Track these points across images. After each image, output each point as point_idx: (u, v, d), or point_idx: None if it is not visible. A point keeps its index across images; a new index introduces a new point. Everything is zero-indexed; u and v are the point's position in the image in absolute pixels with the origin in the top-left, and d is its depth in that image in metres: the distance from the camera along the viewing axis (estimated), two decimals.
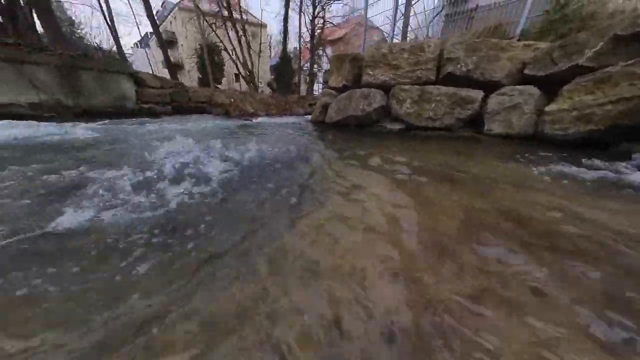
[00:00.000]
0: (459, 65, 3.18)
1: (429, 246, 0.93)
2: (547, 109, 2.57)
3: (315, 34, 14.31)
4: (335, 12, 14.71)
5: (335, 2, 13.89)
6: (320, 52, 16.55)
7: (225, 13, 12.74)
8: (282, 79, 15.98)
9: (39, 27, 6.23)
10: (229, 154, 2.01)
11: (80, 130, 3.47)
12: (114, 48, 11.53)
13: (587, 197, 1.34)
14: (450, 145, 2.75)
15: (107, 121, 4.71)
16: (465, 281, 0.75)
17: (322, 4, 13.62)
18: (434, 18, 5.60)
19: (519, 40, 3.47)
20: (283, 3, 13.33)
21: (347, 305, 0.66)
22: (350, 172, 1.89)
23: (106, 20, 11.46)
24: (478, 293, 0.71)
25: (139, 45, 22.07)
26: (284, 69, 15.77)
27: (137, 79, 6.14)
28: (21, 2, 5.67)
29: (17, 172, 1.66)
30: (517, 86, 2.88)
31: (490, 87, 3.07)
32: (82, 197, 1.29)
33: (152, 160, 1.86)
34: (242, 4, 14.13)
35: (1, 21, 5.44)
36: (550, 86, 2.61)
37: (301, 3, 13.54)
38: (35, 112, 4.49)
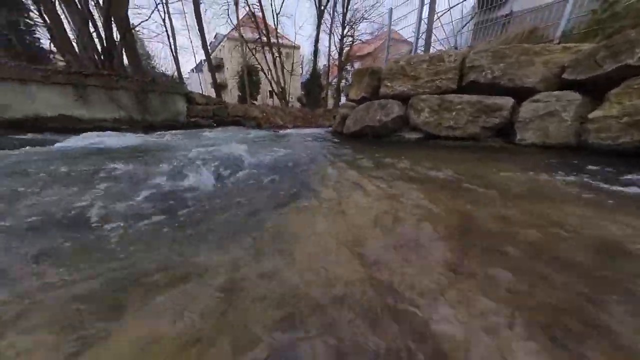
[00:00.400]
0: (483, 73, 3.05)
1: (385, 233, 0.99)
2: (590, 116, 2.27)
3: (344, 51, 15.02)
4: (364, 29, 15.22)
5: (364, 20, 14.48)
6: (349, 67, 17.20)
7: (265, 39, 14.46)
8: (311, 94, 17.00)
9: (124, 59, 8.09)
10: (251, 156, 2.34)
11: (152, 139, 4.33)
12: (175, 74, 14.00)
13: (610, 213, 1.17)
14: (471, 155, 2.60)
15: (166, 132, 5.74)
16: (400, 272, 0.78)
17: (351, 24, 14.36)
18: (462, 28, 5.46)
19: (559, 43, 3.17)
20: (315, 26, 14.56)
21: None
22: (349, 173, 1.98)
23: (172, 52, 14.12)
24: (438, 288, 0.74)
25: (194, 70, 26.21)
26: (313, 85, 16.84)
27: (189, 98, 7.36)
28: (116, 43, 7.51)
29: (142, 162, 2.18)
30: (554, 92, 2.61)
31: (521, 93, 2.84)
32: (184, 173, 1.83)
33: (204, 156, 2.33)
34: (279, 29, 15.90)
35: (102, 58, 7.27)
36: (594, 91, 2.31)
37: (331, 25, 14.54)
38: (115, 125, 5.75)
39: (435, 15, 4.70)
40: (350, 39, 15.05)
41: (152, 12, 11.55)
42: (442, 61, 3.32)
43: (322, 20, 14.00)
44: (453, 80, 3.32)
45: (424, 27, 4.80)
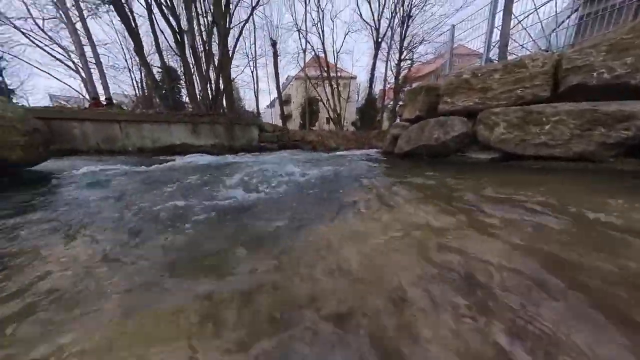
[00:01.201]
0: (594, 74, 2.30)
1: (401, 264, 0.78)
2: None
3: (400, 75, 14.92)
4: (424, 51, 14.82)
5: (425, 42, 14.15)
6: (407, 89, 16.79)
7: (325, 74, 16.37)
8: (365, 117, 17.40)
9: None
10: (302, 172, 2.58)
11: (236, 159, 5.51)
12: (255, 110, 17.65)
13: None
14: (583, 180, 1.89)
15: (243, 154, 7.18)
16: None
17: (410, 48, 14.32)
18: (561, 24, 4.43)
19: None
20: (372, 56, 15.37)
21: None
22: (390, 194, 1.80)
23: (255, 94, 18.06)
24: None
25: (268, 106, 32.22)
26: (368, 109, 17.30)
27: (260, 127, 9.00)
28: (220, 91, 10.37)
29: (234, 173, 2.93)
30: None
31: None
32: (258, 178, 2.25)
33: (267, 170, 2.78)
34: (338, 64, 17.72)
35: (210, 103, 10.17)
36: None
37: (388, 52, 14.95)
38: (211, 149, 7.62)
39: (513, 21, 4.07)
40: (409, 62, 14.88)
41: (245, 67, 15.38)
42: (523, 67, 2.75)
43: (379, 50, 14.65)
44: (542, 87, 2.65)
45: (495, 37, 4.23)
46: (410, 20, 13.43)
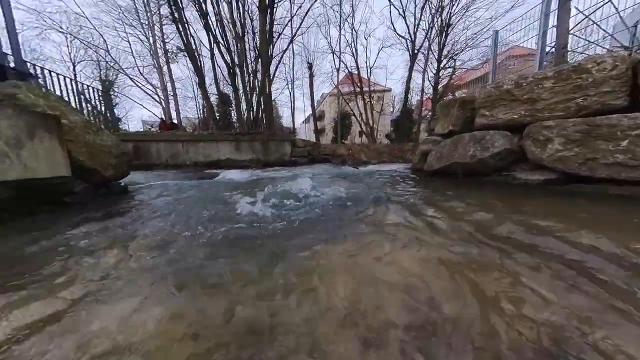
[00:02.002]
0: None
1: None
2: None
3: (439, 85, 14.02)
4: (468, 57, 13.74)
5: (469, 48, 13.09)
6: (442, 102, 15.56)
7: (358, 89, 16.67)
8: (400, 129, 16.70)
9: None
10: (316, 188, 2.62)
11: (270, 173, 6.06)
12: (291, 126, 19.04)
13: None
14: None
15: (276, 168, 7.78)
16: None
17: (450, 56, 13.45)
18: None
19: None
20: (407, 68, 14.99)
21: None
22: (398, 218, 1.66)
23: (291, 112, 19.58)
24: None
25: (303, 122, 34.29)
26: (404, 120, 16.62)
27: (293, 142, 9.61)
28: (260, 111, 11.68)
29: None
30: None
31: None
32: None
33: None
34: (372, 79, 17.85)
35: (252, 123, 11.53)
36: None
37: (426, 63, 14.35)
38: (249, 164, 8.50)
39: (572, 20, 3.47)
40: (449, 70, 13.92)
41: (284, 89, 17.00)
42: (584, 73, 2.29)
43: (415, 61, 14.20)
44: (615, 95, 2.14)
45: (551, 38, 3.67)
46: (450, 29, 12.73)
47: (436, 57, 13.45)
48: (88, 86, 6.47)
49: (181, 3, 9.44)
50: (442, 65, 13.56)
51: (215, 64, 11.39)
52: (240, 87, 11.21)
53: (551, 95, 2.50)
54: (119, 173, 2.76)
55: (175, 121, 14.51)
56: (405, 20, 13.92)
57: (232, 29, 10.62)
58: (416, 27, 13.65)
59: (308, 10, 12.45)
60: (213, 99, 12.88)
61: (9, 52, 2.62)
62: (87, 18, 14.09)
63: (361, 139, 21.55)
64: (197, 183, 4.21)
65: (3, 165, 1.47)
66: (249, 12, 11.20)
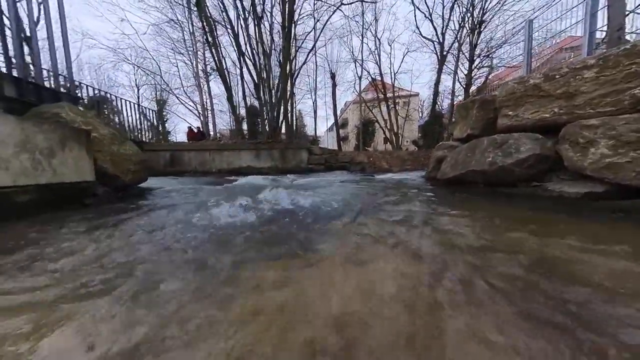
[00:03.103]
0: None
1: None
2: None
3: (472, 87, 12.77)
4: (507, 53, 12.35)
5: (507, 44, 11.72)
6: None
7: (382, 96, 16.28)
8: (428, 134, 15.63)
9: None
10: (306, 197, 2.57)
11: (290, 180, 6.28)
12: (313, 134, 19.48)
13: None
14: None
15: (291, 175, 7.99)
16: None
17: (485, 54, 12.23)
18: None
19: None
20: (436, 70, 14.09)
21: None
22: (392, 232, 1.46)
23: (314, 120, 20.13)
24: None
25: (328, 130, 34.77)
26: (433, 125, 15.54)
27: (310, 150, 9.77)
28: (279, 122, 12.31)
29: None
30: None
31: None
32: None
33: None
34: (397, 84, 17.28)
35: (272, 132, 12.22)
36: None
37: (456, 64, 13.31)
38: (268, 171, 8.91)
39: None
40: (484, 69, 12.62)
41: (307, 99, 17.56)
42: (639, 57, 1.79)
43: (444, 64, 13.29)
44: None
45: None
46: (483, 26, 11.65)
47: (467, 57, 12.38)
48: (147, 108, 8.47)
49: (215, 30, 10.80)
50: (474, 66, 12.39)
51: (244, 80, 12.56)
52: (263, 99, 12.06)
53: (594, 87, 2.02)
54: (137, 178, 3.15)
55: (209, 131, 16.23)
56: (432, 22, 13.29)
57: (256, 47, 11.64)
58: (445, 27, 12.87)
59: (325, 23, 12.96)
60: (243, 112, 14.13)
61: (63, 80, 3.32)
62: (147, 50, 17.15)
63: (385, 145, 20.76)
64: (211, 188, 4.55)
65: (36, 172, 1.83)
66: (273, 31, 12.21)
